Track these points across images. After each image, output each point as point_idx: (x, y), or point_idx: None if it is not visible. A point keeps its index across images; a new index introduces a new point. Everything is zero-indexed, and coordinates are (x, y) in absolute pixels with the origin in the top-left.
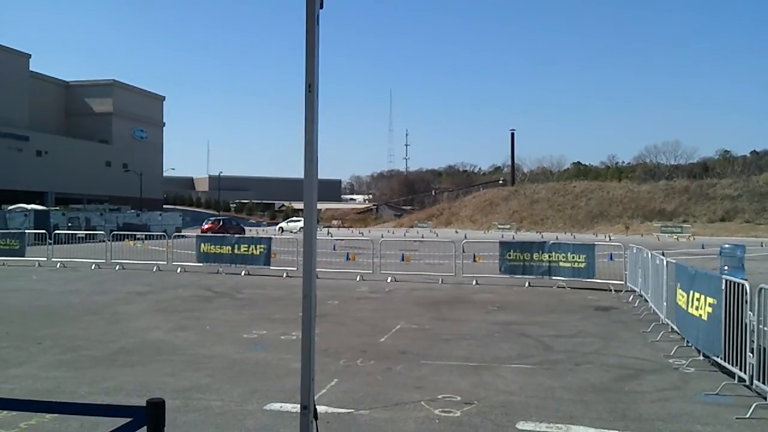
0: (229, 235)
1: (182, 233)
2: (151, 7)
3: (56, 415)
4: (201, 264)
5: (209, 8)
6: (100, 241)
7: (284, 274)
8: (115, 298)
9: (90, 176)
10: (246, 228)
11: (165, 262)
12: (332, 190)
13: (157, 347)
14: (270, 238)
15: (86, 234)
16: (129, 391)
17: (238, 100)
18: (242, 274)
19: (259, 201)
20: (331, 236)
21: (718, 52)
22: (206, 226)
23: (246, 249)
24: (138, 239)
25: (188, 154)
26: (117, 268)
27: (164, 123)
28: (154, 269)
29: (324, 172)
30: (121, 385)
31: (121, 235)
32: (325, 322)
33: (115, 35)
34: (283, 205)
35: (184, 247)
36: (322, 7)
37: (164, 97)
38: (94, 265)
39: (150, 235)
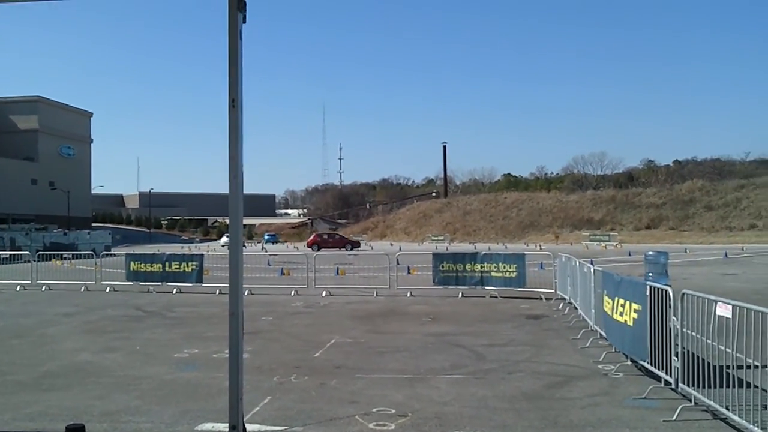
0: (159, 253)
1: (111, 252)
2: (74, 24)
3: None
4: (131, 283)
5: (132, 21)
6: (25, 262)
7: (217, 291)
8: (41, 320)
9: (15, 195)
10: (177, 245)
11: (93, 282)
12: (266, 204)
13: (84, 370)
14: (202, 255)
15: (10, 254)
16: (54, 416)
17: (167, 116)
18: (174, 292)
19: (192, 217)
20: (266, 251)
21: (639, 64)
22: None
23: (177, 266)
24: (65, 259)
25: (117, 171)
26: (43, 288)
27: (92, 139)
28: (83, 289)
29: (258, 187)
30: (46, 409)
31: (47, 254)
32: (258, 339)
33: (40, 51)
34: (216, 221)
35: (113, 266)
36: (245, 22)
37: (92, 113)
38: (19, 287)
39: (78, 254)
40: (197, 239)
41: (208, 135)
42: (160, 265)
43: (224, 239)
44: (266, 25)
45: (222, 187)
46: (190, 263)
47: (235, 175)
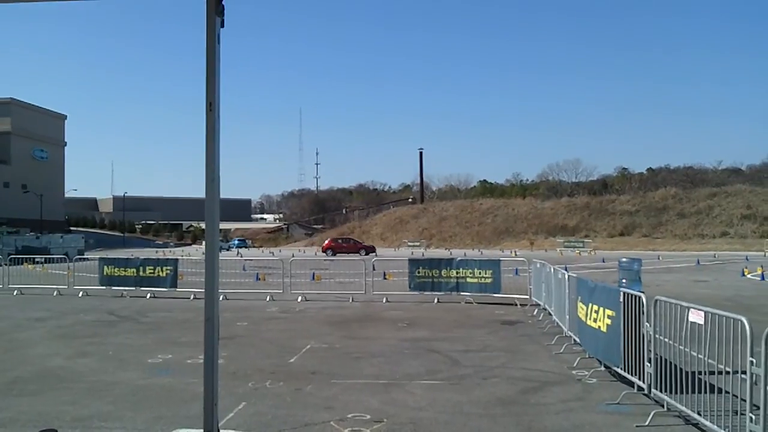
0: (133, 257)
1: (85, 256)
2: (50, 25)
3: None
4: (104, 287)
5: (108, 24)
6: None
7: (191, 296)
8: (12, 325)
9: None
10: (153, 250)
11: (66, 287)
12: (242, 209)
13: (56, 375)
14: (176, 260)
15: None
16: (25, 422)
17: (141, 119)
18: (148, 297)
19: (166, 222)
20: (241, 256)
21: (613, 73)
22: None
23: (152, 271)
24: (37, 263)
25: (91, 175)
26: (15, 293)
27: (66, 142)
28: (55, 294)
29: (234, 192)
30: (17, 415)
31: (19, 258)
32: (233, 344)
33: (14, 53)
34: (191, 226)
35: (86, 270)
36: (223, 26)
37: (65, 116)
38: None
39: (50, 258)
40: (172, 243)
41: (183, 139)
42: (134, 270)
43: None
44: (243, 30)
45: (196, 191)
46: (164, 268)
47: (212, 179)
